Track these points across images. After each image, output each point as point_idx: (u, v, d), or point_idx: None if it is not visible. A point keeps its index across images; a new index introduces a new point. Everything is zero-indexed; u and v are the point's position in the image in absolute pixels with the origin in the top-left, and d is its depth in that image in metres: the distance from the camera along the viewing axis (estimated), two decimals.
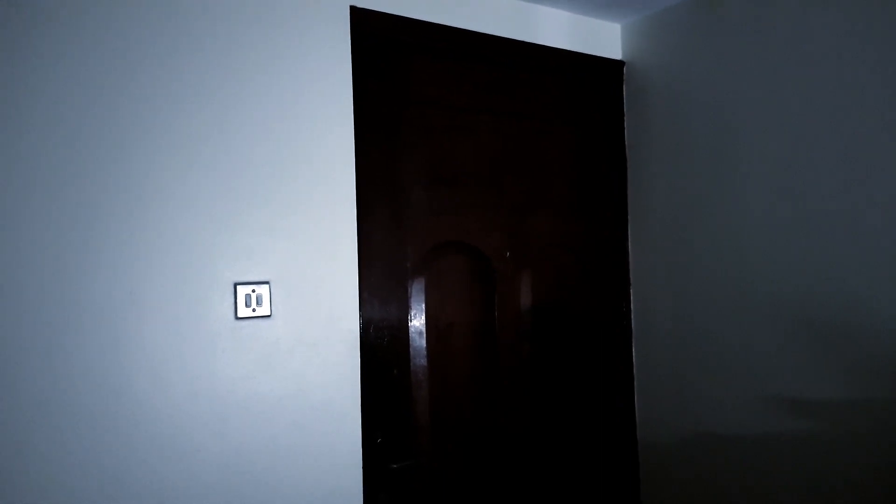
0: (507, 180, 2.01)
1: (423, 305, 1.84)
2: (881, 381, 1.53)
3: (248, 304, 1.48)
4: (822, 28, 1.65)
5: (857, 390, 1.57)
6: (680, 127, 2.04)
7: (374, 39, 1.75)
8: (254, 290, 1.49)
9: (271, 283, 1.52)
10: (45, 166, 1.29)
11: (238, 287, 1.47)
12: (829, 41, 1.64)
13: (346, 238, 1.64)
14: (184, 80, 1.44)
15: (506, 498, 1.95)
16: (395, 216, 1.79)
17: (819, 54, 1.66)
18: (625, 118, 2.25)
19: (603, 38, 2.21)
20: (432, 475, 1.82)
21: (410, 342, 1.81)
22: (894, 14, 1.51)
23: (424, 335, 1.83)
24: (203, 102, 1.46)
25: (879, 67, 1.54)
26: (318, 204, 1.60)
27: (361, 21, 1.70)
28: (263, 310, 1.50)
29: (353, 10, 1.68)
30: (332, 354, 1.61)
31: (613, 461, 2.19)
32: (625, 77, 2.24)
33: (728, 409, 1.89)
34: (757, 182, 1.81)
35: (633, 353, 2.22)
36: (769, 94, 1.78)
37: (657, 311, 2.14)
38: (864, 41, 1.57)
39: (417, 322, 1.82)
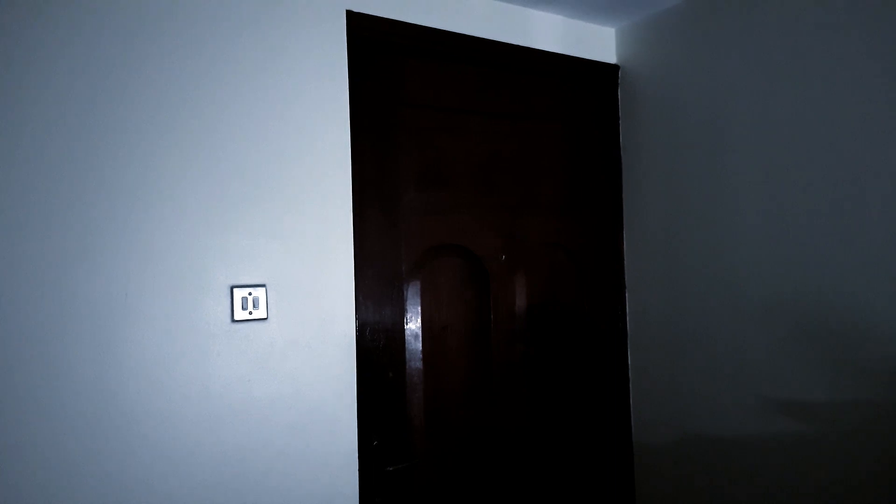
0: (502, 183, 2.02)
1: (419, 308, 1.84)
2: (873, 381, 1.54)
3: (244, 307, 1.48)
4: (815, 33, 1.67)
5: (850, 391, 1.59)
6: (674, 130, 2.05)
7: (370, 43, 1.76)
8: (250, 293, 1.49)
9: (267, 286, 1.53)
10: (41, 167, 1.29)
11: (234, 290, 1.48)
12: (823, 46, 1.65)
13: (341, 241, 1.65)
14: (181, 83, 1.45)
15: (502, 499, 1.96)
16: (390, 218, 1.80)
17: (812, 58, 1.68)
18: (619, 121, 2.26)
19: (597, 42, 2.23)
20: (428, 477, 1.83)
21: (406, 344, 1.81)
22: (888, 18, 1.53)
23: (420, 337, 1.83)
24: (200, 105, 1.47)
25: (872, 72, 1.56)
26: (315, 206, 1.61)
27: (357, 25, 1.71)
28: (260, 312, 1.50)
29: (350, 14, 1.69)
30: (328, 357, 1.61)
31: (609, 462, 2.20)
32: (619, 81, 2.26)
33: (722, 410, 1.90)
34: (749, 185, 1.82)
35: (629, 355, 2.24)
36: (762, 97, 1.79)
37: (652, 312, 2.15)
38: (857, 45, 1.58)
39: (413, 324, 1.83)
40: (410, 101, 1.86)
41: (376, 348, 1.74)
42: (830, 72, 1.63)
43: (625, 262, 2.25)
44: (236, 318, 1.47)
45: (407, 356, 1.81)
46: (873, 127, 1.55)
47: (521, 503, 1.99)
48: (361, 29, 1.72)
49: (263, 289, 1.51)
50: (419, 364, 1.83)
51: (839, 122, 1.61)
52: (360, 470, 1.63)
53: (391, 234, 1.80)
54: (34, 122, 1.29)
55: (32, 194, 1.28)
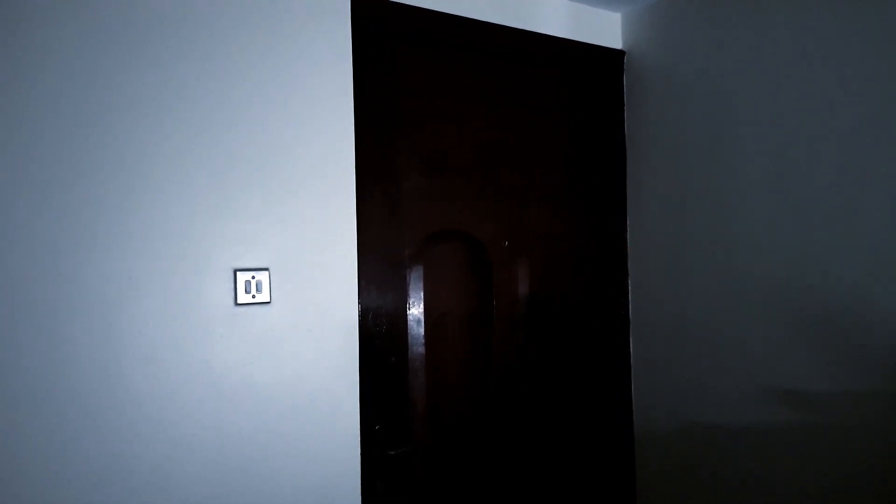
0: (506, 169, 2.01)
1: (422, 294, 1.84)
2: (875, 372, 1.54)
3: (247, 291, 1.48)
4: (822, 20, 1.65)
5: (852, 381, 1.59)
6: (680, 118, 2.04)
7: (375, 28, 1.74)
8: (253, 277, 1.49)
9: (271, 270, 1.53)
10: (45, 156, 1.29)
11: (238, 273, 1.48)
12: (829, 33, 1.64)
13: (345, 226, 1.64)
14: (184, 67, 1.44)
15: (502, 485, 1.97)
16: (393, 204, 1.79)
17: (819, 46, 1.66)
18: (624, 108, 2.25)
19: (603, 27, 2.21)
20: (429, 462, 1.84)
21: (408, 330, 1.81)
22: (893, 6, 1.51)
23: (422, 323, 1.84)
24: (204, 89, 1.46)
25: (878, 60, 1.54)
26: (318, 191, 1.60)
27: (362, 9, 1.69)
28: (263, 296, 1.51)
29: None
30: (331, 341, 1.61)
31: (609, 450, 2.20)
32: (625, 67, 2.24)
33: (724, 400, 1.90)
34: (757, 174, 1.81)
35: (631, 344, 2.24)
36: (769, 84, 1.78)
37: (655, 301, 2.14)
38: (864, 33, 1.57)
39: (415, 310, 1.83)
40: (416, 87, 1.85)
41: (379, 333, 1.75)
42: (842, 58, 1.61)
43: (628, 251, 2.24)
44: (239, 301, 1.47)
45: (409, 341, 1.81)
46: (884, 115, 1.53)
47: (521, 489, 2.01)
48: (366, 14, 1.70)
49: (266, 272, 1.51)
50: (421, 349, 1.83)
51: (849, 109, 1.60)
52: (362, 454, 1.64)
53: (394, 219, 1.80)
54: (37, 113, 1.28)
55: (36, 182, 1.28)
